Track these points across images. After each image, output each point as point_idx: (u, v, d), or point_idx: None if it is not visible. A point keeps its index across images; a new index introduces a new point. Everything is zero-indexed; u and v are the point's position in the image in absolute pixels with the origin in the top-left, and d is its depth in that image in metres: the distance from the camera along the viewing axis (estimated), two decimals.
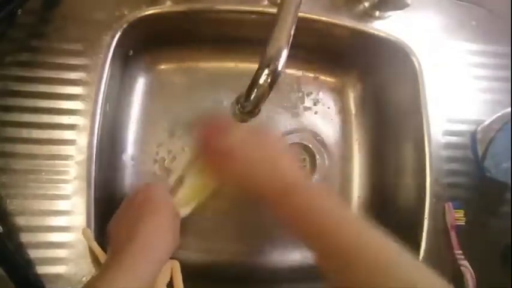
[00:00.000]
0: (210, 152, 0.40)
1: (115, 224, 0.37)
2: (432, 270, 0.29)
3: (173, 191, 0.44)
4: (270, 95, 0.33)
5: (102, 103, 0.41)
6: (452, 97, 0.48)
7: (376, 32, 0.49)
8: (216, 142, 0.38)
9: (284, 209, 0.35)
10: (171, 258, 0.39)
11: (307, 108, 0.56)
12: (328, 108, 0.57)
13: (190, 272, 0.40)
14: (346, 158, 0.56)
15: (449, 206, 0.45)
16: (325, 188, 0.36)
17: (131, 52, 0.50)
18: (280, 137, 0.40)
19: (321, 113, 0.57)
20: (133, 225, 0.34)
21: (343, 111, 0.58)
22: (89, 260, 0.37)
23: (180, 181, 0.44)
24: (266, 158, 0.37)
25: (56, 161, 0.39)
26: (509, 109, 0.46)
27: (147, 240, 0.33)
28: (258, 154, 0.37)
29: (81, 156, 0.39)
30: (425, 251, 0.44)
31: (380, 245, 0.31)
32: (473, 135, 0.47)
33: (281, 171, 0.37)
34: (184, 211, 0.43)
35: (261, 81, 0.31)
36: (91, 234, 0.37)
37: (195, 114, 0.53)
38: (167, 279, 0.38)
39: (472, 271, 0.43)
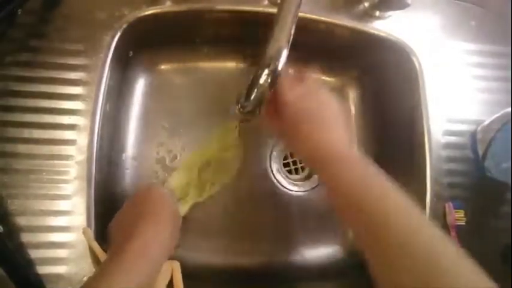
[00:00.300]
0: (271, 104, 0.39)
1: (116, 224, 0.37)
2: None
3: (172, 189, 0.44)
4: None
5: (102, 103, 0.41)
6: (452, 97, 0.48)
7: (376, 32, 0.49)
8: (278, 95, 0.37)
9: (327, 179, 0.35)
10: (172, 258, 0.39)
11: None
12: None
13: (191, 272, 0.40)
14: None
15: (449, 206, 0.45)
16: (365, 163, 0.36)
17: (131, 53, 0.50)
18: (333, 99, 0.40)
19: None
20: (133, 225, 0.34)
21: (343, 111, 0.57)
22: (89, 260, 0.37)
23: (179, 179, 0.44)
24: (313, 121, 0.37)
25: (57, 161, 0.39)
26: (509, 109, 0.46)
27: (147, 239, 0.33)
28: (304, 116, 0.37)
29: (81, 156, 0.39)
30: None
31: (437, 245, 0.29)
32: (473, 135, 0.47)
33: (324, 140, 0.36)
34: (183, 209, 0.43)
35: (261, 81, 0.31)
36: (91, 233, 0.37)
37: (195, 114, 0.53)
38: (167, 279, 0.38)
39: None
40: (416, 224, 0.30)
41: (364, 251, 0.31)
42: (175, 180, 0.47)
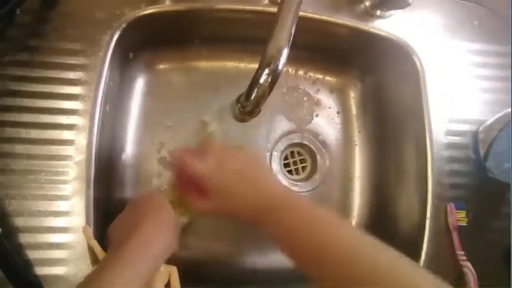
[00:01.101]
0: (183, 184, 0.40)
1: (116, 226, 0.37)
2: (433, 274, 0.29)
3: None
4: (271, 95, 0.32)
5: (101, 103, 0.40)
6: (454, 97, 0.48)
7: (377, 32, 0.48)
8: (188, 172, 0.38)
9: (274, 226, 0.36)
10: (170, 263, 0.39)
11: (308, 109, 0.56)
12: (329, 108, 0.57)
13: (189, 273, 0.40)
14: (347, 158, 0.56)
15: (451, 206, 0.45)
16: (310, 201, 0.36)
17: (131, 55, 0.49)
18: (255, 154, 0.40)
19: (322, 113, 0.56)
20: (134, 226, 0.35)
21: (344, 111, 0.57)
22: (88, 261, 0.37)
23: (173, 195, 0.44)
24: (247, 179, 0.38)
25: (55, 162, 0.38)
26: (511, 109, 0.46)
27: (147, 237, 0.34)
28: (236, 177, 0.38)
29: (80, 157, 0.39)
30: (427, 251, 0.44)
31: (379, 252, 0.31)
32: (475, 135, 0.47)
33: (265, 189, 0.37)
34: (183, 219, 0.44)
35: (262, 80, 0.31)
36: (91, 232, 0.37)
37: (194, 114, 0.53)
38: (165, 282, 0.38)
39: (473, 272, 0.43)
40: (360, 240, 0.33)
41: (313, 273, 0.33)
42: (170, 191, 0.47)
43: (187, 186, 0.40)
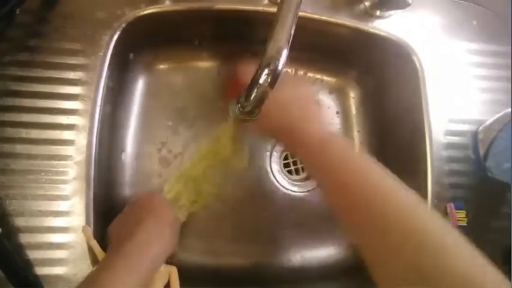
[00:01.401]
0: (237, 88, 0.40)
1: (116, 226, 0.38)
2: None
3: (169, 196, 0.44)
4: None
5: (101, 103, 0.40)
6: (453, 97, 0.48)
7: (376, 32, 0.48)
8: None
9: (320, 157, 0.35)
10: (170, 263, 0.39)
11: None
12: (328, 108, 0.57)
13: (189, 273, 0.40)
14: None
15: (451, 206, 0.45)
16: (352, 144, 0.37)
17: (132, 55, 0.49)
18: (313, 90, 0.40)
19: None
20: (134, 226, 0.35)
21: (343, 111, 0.57)
22: (88, 261, 0.37)
23: (174, 188, 0.44)
24: (302, 105, 0.37)
25: (55, 162, 0.38)
26: (511, 109, 0.46)
27: (148, 237, 0.34)
28: (293, 98, 0.37)
29: (80, 157, 0.39)
30: None
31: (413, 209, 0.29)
32: (474, 135, 0.47)
33: (317, 121, 0.37)
34: (180, 216, 0.44)
35: (261, 81, 0.31)
36: (90, 232, 0.37)
37: (194, 114, 0.53)
38: (165, 282, 0.38)
39: None
40: (406, 200, 0.30)
41: (356, 237, 0.31)
42: (170, 189, 0.47)
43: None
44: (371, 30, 0.48)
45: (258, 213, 0.52)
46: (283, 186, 0.53)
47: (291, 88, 0.39)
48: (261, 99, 0.34)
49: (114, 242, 0.36)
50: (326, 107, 0.57)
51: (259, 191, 0.53)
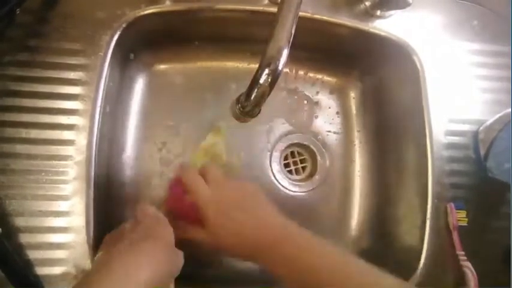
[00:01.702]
0: (178, 208, 0.40)
1: (115, 236, 0.36)
2: None
3: None
4: (271, 95, 0.32)
5: (101, 103, 0.40)
6: (454, 97, 0.48)
7: (377, 32, 0.48)
8: (191, 190, 0.38)
9: (275, 258, 0.35)
10: None
11: (308, 109, 0.56)
12: (329, 108, 0.57)
13: (189, 273, 0.40)
14: (347, 158, 0.56)
15: (451, 206, 0.45)
16: (310, 233, 0.36)
17: (132, 56, 0.49)
18: (255, 187, 0.40)
19: (322, 113, 0.57)
20: (127, 244, 0.33)
21: (344, 111, 0.57)
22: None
23: None
24: (246, 209, 0.37)
25: (55, 162, 0.38)
26: (511, 109, 0.46)
27: (140, 260, 0.32)
28: (234, 205, 0.37)
29: (80, 157, 0.39)
30: (428, 251, 0.44)
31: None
32: (475, 135, 0.47)
33: (263, 219, 0.37)
34: None
35: (261, 81, 0.31)
36: None
37: (194, 114, 0.53)
38: None
39: (474, 271, 0.43)
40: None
41: None
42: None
43: (181, 211, 0.40)
44: (371, 30, 0.48)
45: None
46: (283, 186, 0.53)
47: (228, 191, 0.39)
48: (261, 99, 0.34)
49: (106, 253, 0.34)
50: (327, 107, 0.57)
51: None
